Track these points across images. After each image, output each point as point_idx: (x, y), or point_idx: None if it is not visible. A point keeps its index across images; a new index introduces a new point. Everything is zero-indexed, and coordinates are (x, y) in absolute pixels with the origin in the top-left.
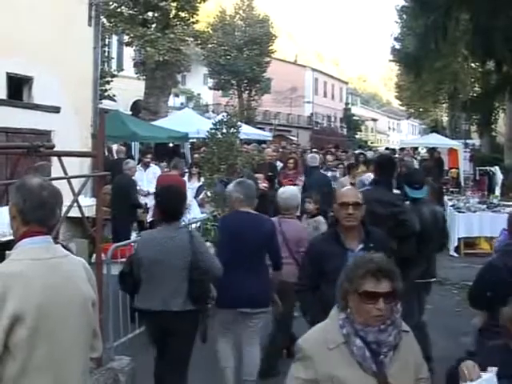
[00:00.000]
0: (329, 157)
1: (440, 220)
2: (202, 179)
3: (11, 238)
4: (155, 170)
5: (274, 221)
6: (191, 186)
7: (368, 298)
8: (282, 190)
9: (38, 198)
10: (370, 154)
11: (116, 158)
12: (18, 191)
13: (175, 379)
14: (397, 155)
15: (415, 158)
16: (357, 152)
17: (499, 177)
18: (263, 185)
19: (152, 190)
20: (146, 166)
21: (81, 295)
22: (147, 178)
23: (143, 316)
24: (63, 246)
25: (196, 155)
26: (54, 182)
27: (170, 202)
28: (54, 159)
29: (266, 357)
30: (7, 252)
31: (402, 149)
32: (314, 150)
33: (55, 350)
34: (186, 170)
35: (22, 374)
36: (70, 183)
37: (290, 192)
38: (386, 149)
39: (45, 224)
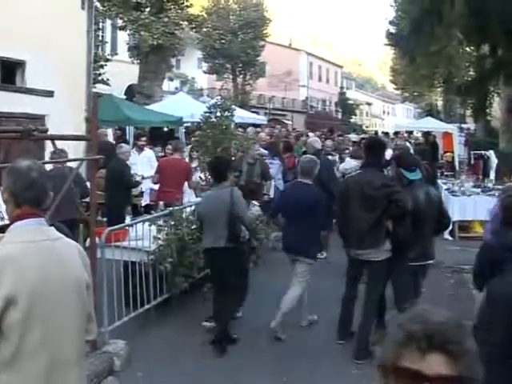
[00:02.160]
0: (328, 142)
1: (435, 202)
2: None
3: (7, 222)
4: (149, 154)
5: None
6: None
7: (406, 379)
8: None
9: (27, 178)
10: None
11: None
12: (8, 174)
13: (227, 301)
14: (390, 138)
15: (410, 142)
16: (361, 136)
17: (494, 161)
18: None
19: (146, 174)
20: (140, 149)
21: (74, 277)
22: (141, 162)
23: (203, 252)
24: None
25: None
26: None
27: (217, 168)
28: (48, 143)
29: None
30: (0, 235)
31: (396, 133)
32: (311, 133)
33: (49, 332)
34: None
35: (16, 357)
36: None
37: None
38: (382, 133)
39: (37, 205)
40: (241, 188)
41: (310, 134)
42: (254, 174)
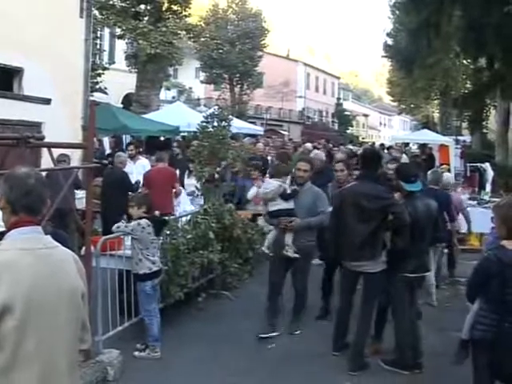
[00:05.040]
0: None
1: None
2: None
3: (1, 229)
4: (144, 163)
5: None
6: (189, 182)
7: None
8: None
9: (24, 185)
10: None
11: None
12: (5, 182)
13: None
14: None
15: (406, 154)
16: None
17: (490, 173)
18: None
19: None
20: (131, 158)
21: (70, 286)
22: (137, 171)
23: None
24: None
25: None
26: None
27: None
28: (44, 151)
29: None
30: None
31: (389, 147)
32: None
33: (44, 341)
34: None
35: (10, 365)
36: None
37: None
38: (381, 145)
39: (34, 212)
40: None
41: (307, 144)
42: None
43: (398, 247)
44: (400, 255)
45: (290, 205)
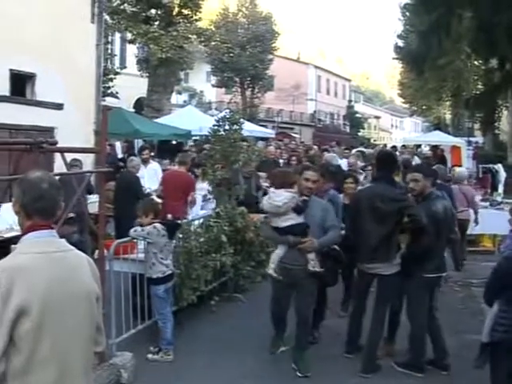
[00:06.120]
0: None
1: (449, 214)
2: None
3: (16, 233)
4: (155, 167)
5: None
6: (197, 186)
7: None
8: None
9: (37, 189)
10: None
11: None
12: (18, 186)
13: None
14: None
15: (418, 156)
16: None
17: (502, 174)
18: (265, 184)
19: (153, 186)
20: (145, 162)
21: (85, 289)
22: (148, 175)
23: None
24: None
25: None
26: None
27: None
28: (57, 155)
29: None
30: (12, 246)
31: (403, 146)
32: (319, 147)
33: (59, 343)
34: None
35: (26, 368)
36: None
37: None
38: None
39: (47, 216)
40: (242, 202)
41: (315, 147)
42: (251, 186)
43: (421, 247)
44: (422, 256)
45: (301, 219)
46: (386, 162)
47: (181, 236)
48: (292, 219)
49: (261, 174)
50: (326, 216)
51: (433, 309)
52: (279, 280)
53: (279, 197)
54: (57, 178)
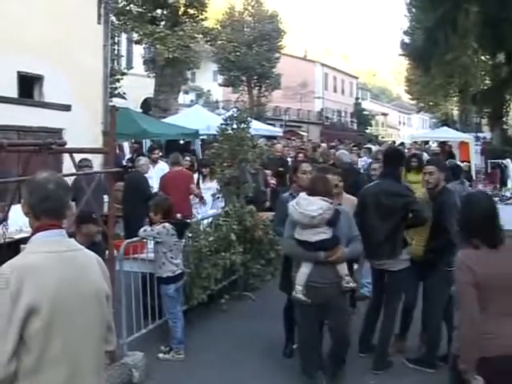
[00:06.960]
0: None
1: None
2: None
3: (25, 235)
4: (163, 167)
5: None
6: (205, 186)
7: None
8: None
9: (43, 190)
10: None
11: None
12: (26, 187)
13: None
14: (407, 148)
15: (427, 152)
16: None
17: (511, 169)
18: (272, 181)
19: None
20: (155, 162)
21: (95, 288)
22: (156, 175)
23: None
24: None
25: (206, 152)
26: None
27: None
28: (66, 156)
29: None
30: (22, 246)
31: (414, 143)
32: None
33: (70, 342)
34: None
35: (37, 367)
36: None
37: None
38: (401, 144)
39: (55, 216)
40: (252, 199)
41: (323, 144)
42: (260, 183)
43: (449, 241)
44: (447, 249)
45: (332, 232)
46: (392, 158)
47: (190, 235)
48: (324, 233)
49: (267, 171)
50: (351, 225)
51: (452, 302)
52: (305, 303)
53: (313, 205)
54: (67, 178)
